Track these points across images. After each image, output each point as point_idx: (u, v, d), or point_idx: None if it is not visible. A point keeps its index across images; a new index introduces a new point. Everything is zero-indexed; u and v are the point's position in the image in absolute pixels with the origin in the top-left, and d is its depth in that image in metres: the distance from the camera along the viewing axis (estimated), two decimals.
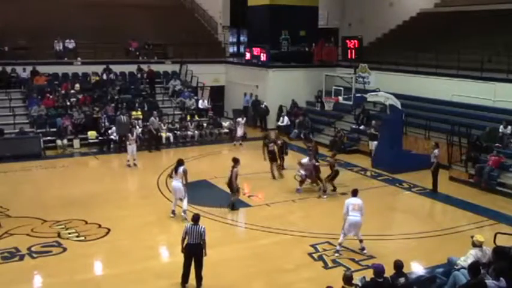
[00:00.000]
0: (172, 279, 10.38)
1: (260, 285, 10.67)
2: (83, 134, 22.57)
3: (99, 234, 12.79)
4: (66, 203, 14.99)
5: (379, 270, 8.39)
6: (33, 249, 11.84)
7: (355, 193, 12.07)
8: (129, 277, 10.67)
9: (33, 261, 11.38)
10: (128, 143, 19.51)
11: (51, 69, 26.02)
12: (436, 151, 16.67)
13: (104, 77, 26.67)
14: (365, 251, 11.77)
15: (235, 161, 14.78)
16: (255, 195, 16.44)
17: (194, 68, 28.41)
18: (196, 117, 25.56)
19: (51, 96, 24.07)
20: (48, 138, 21.89)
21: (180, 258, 10.21)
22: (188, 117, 25.30)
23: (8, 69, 24.83)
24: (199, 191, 16.25)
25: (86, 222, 13.48)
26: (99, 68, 26.82)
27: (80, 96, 24.60)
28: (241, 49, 32.13)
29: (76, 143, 22.16)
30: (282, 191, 16.71)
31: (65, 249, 11.94)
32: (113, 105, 24.44)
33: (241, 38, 33.22)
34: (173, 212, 13.95)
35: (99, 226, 13.24)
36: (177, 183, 13.72)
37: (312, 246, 12.16)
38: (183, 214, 13.59)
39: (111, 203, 15.17)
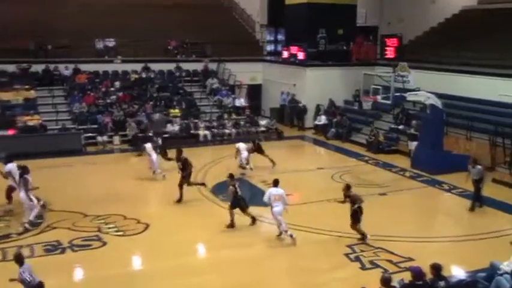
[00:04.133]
0: (206, 276, 10.46)
1: (294, 284, 10.64)
2: (123, 130, 22.96)
3: (138, 230, 13.00)
4: (105, 198, 15.29)
5: (417, 273, 8.24)
6: (74, 242, 12.14)
7: (276, 183, 12.60)
8: (165, 273, 10.80)
9: (74, 254, 11.66)
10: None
11: (93, 67, 26.60)
12: (476, 168, 14.89)
13: (143, 75, 27.09)
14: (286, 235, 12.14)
15: (231, 176, 13.51)
16: (290, 194, 16.34)
17: (232, 67, 28.54)
18: (234, 116, 25.67)
19: (92, 94, 24.64)
20: (89, 134, 22.39)
21: (215, 256, 10.26)
22: (225, 116, 25.45)
23: (51, 67, 25.49)
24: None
25: (125, 218, 13.72)
26: (138, 66, 27.26)
27: (120, 94, 25.08)
28: (279, 48, 32.05)
29: (116, 139, 22.57)
30: (317, 191, 16.59)
31: (104, 244, 12.20)
32: (151, 103, 24.80)
33: (279, 37, 33.13)
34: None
35: (138, 222, 13.44)
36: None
37: (349, 246, 12.03)
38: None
39: (150, 199, 15.41)
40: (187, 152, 21.20)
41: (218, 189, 16.06)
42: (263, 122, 25.80)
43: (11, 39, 25.12)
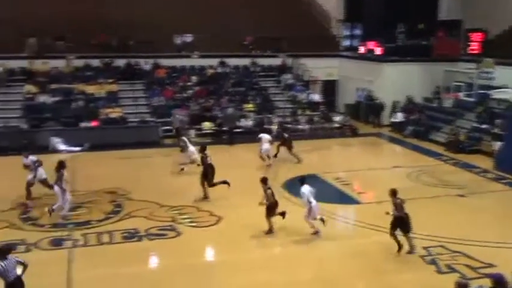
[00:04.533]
0: (274, 271, 10.46)
1: (366, 284, 10.42)
2: (199, 124, 23.45)
3: (211, 222, 13.24)
4: (180, 190, 15.68)
5: (498, 280, 7.78)
6: (150, 231, 12.54)
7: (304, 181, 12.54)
8: (237, 266, 10.91)
9: (150, 242, 12.06)
10: None
11: (171, 62, 27.36)
12: None
13: (219, 70, 27.53)
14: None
15: (264, 181, 12.64)
16: (363, 192, 16.05)
17: (307, 62, 28.37)
18: (308, 111, 25.51)
19: (170, 88, 25.38)
20: (167, 127, 23.07)
21: (288, 250, 10.23)
22: (299, 111, 25.34)
23: (133, 62, 26.49)
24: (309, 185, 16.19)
25: (198, 209, 14.01)
26: (214, 62, 27.72)
27: (197, 89, 25.64)
28: (355, 43, 31.46)
29: (192, 133, 23.10)
30: None
31: (178, 234, 12.51)
32: (227, 97, 25.16)
33: (356, 32, 32.50)
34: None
35: (211, 214, 13.69)
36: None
37: (425, 248, 11.60)
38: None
39: (223, 192, 15.56)
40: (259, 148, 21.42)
41: (289, 186, 16.03)
42: (337, 118, 25.46)
43: (95, 36, 26.38)
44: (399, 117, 24.88)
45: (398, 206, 11.16)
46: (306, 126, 24.30)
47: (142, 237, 12.26)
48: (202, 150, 15.39)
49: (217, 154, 20.85)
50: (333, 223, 13.40)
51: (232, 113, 23.42)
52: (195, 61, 27.90)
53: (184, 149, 17.82)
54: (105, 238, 12.20)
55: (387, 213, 11.31)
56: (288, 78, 27.67)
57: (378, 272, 10.70)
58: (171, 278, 10.43)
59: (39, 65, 24.87)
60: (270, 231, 12.36)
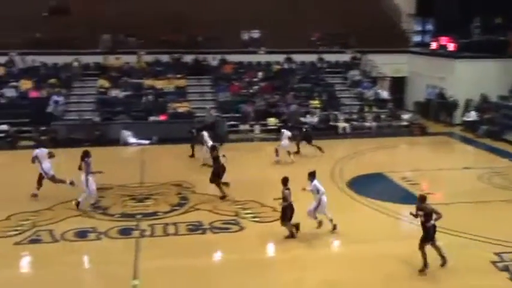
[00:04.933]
0: (336, 269, 10.32)
1: (429, 286, 10.05)
2: (264, 120, 23.53)
3: (274, 218, 13.22)
4: (244, 185, 15.77)
5: None
6: (214, 224, 12.73)
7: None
8: (298, 262, 10.87)
9: (214, 236, 12.24)
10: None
11: (238, 58, 27.58)
12: None
13: (285, 66, 27.47)
14: None
15: (285, 181, 12.02)
16: (432, 193, 15.47)
17: (375, 58, 27.76)
18: (375, 109, 24.97)
19: (236, 84, 25.62)
20: (232, 122, 23.32)
21: (351, 249, 10.04)
22: (366, 108, 24.86)
23: (201, 58, 26.95)
24: (374, 184, 15.87)
25: (262, 205, 14.05)
26: (281, 58, 27.68)
27: (262, 84, 25.73)
28: (427, 38, 30.42)
29: (257, 128, 23.24)
30: (462, 192, 15.44)
31: (242, 228, 12.62)
32: (292, 93, 25.08)
33: (427, 27, 31.41)
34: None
35: (274, 210, 13.67)
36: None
37: (497, 254, 11.04)
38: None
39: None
40: (324, 144, 21.23)
41: (354, 184, 15.76)
42: (406, 116, 24.75)
43: (165, 32, 27.05)
44: (472, 116, 23.85)
45: (428, 211, 10.28)
46: (373, 124, 23.80)
47: (206, 230, 12.45)
48: (213, 150, 15.32)
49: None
50: (399, 223, 13.06)
51: (295, 110, 23.30)
52: (262, 57, 27.99)
53: (205, 144, 17.73)
54: (171, 229, 12.50)
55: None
56: (355, 74, 27.20)
57: (446, 275, 10.30)
58: (232, 272, 10.53)
59: (112, 60, 25.86)
60: (291, 236, 11.86)
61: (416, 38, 31.03)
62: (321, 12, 29.32)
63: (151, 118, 22.78)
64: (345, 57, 28.45)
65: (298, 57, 27.85)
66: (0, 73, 24.54)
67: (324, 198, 12.13)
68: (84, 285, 10.31)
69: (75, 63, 25.28)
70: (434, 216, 10.17)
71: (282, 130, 18.96)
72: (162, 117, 22.88)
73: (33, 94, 23.56)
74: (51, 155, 14.64)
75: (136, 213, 13.47)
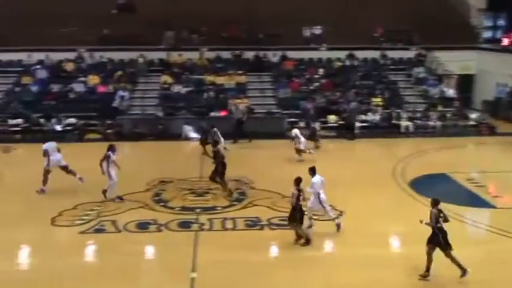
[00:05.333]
0: (393, 270, 10.04)
1: None
2: (324, 117, 23.28)
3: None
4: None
5: None
6: (272, 221, 12.71)
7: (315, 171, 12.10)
8: (354, 261, 10.65)
9: (271, 232, 12.22)
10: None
11: (299, 54, 27.43)
12: None
13: (347, 62, 27.05)
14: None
15: (297, 181, 11.61)
16: (499, 196, 14.78)
17: (441, 55, 26.82)
18: (440, 108, 24.12)
19: (297, 80, 25.49)
20: (292, 119, 23.21)
21: (412, 250, 9.73)
22: (431, 107, 24.06)
23: (261, 54, 27.00)
24: (436, 185, 15.34)
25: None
26: (342, 54, 27.28)
27: (323, 81, 25.46)
28: (498, 34, 29.04)
29: (316, 125, 22.97)
30: None
31: None
32: (353, 91, 24.66)
33: (499, 22, 29.97)
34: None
35: (333, 208, 13.48)
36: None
37: None
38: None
39: (345, 186, 15.31)
40: (386, 142, 20.78)
41: (416, 184, 15.30)
42: (473, 116, 23.75)
43: (226, 29, 27.30)
44: None
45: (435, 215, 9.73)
46: (437, 123, 23.00)
47: (264, 226, 12.46)
48: (215, 145, 15.35)
49: (339, 148, 20.82)
50: (463, 226, 12.58)
51: (354, 108, 22.86)
52: (323, 53, 27.70)
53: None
54: (229, 224, 12.60)
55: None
56: (419, 71, 26.38)
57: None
58: (287, 269, 10.50)
59: (175, 56, 26.40)
60: (306, 243, 11.40)
61: (487, 34, 29.70)
62: (384, 7, 28.64)
63: (212, 114, 23.08)
64: (409, 54, 27.68)
65: (360, 54, 27.37)
66: (69, 69, 25.61)
67: (323, 195, 12.06)
68: (145, 275, 10.56)
69: (140, 60, 26.01)
70: (433, 221, 9.76)
71: (294, 131, 18.75)
72: (222, 113, 23.12)
73: (101, 89, 24.45)
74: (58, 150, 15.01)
75: (195, 207, 13.68)
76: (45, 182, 14.63)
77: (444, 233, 9.65)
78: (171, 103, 23.82)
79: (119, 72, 25.04)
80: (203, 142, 19.04)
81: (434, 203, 9.86)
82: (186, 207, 13.68)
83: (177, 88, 24.58)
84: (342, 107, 23.49)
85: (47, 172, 14.66)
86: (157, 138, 21.39)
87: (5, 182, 15.99)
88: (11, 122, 21.96)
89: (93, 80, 24.75)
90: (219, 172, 14.69)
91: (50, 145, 14.96)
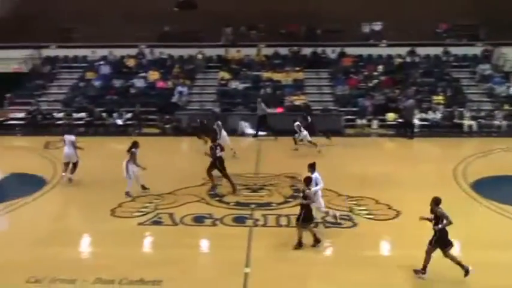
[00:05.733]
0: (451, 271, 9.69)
1: None
2: (382, 115, 22.79)
3: (389, 216, 12.77)
4: (359, 180, 15.41)
5: None
6: (326, 219, 12.48)
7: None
8: (408, 263, 10.36)
9: (325, 230, 12.05)
10: None
11: (358, 51, 26.99)
12: None
13: (408, 59, 26.35)
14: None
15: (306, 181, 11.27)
16: None
17: (508, 51, 25.61)
18: (507, 106, 23.04)
19: (355, 77, 25.08)
20: (349, 117, 22.89)
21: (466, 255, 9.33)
22: (497, 106, 23.03)
23: (319, 50, 26.74)
24: (502, 187, 14.69)
25: (377, 202, 13.62)
26: (403, 50, 26.60)
27: (383, 78, 24.92)
28: None
29: (374, 123, 22.59)
30: None
31: (354, 225, 12.35)
32: (414, 88, 23.98)
33: None
34: None
35: (390, 207, 13.22)
36: None
37: None
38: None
39: (402, 185, 14.94)
40: (448, 142, 20.04)
41: (479, 186, 14.70)
42: None
43: (285, 25, 27.20)
44: None
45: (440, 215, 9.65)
46: (503, 123, 22.01)
47: (318, 223, 12.32)
48: (214, 140, 15.16)
49: (398, 147, 20.32)
50: None
51: (410, 105, 22.15)
52: (383, 50, 27.12)
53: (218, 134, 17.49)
54: (283, 221, 12.57)
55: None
56: (485, 69, 25.32)
57: None
58: (340, 267, 10.37)
59: (233, 53, 26.60)
60: (298, 246, 11.04)
61: None
62: (449, 1, 27.66)
63: (268, 110, 23.06)
64: (475, 50, 26.64)
65: (422, 50, 26.59)
66: (131, 64, 26.34)
67: (320, 192, 11.91)
68: (200, 268, 10.72)
69: (199, 56, 26.39)
70: (444, 221, 9.57)
71: (297, 123, 18.75)
72: (278, 110, 23.09)
73: (160, 85, 25.00)
74: (78, 146, 15.42)
75: (250, 203, 13.73)
76: (72, 170, 15.26)
77: (442, 233, 9.61)
78: (228, 99, 24.03)
79: (177, 68, 25.52)
80: (200, 134, 19.13)
81: (437, 202, 9.77)
82: (241, 203, 13.76)
83: (235, 84, 24.77)
84: (400, 104, 22.90)
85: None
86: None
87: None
88: (76, 115, 22.86)
89: (153, 75, 25.36)
90: (213, 167, 14.53)
91: (68, 137, 15.52)
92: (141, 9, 26.70)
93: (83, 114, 22.94)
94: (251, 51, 26.71)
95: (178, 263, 10.55)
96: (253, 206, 13.55)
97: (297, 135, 18.76)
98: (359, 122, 22.61)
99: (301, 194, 11.33)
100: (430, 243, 9.72)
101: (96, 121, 22.78)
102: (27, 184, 14.47)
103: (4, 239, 12.36)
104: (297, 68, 25.69)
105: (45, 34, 26.52)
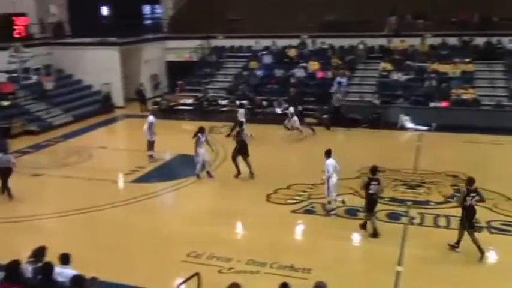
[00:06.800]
0: None
1: None
2: None
3: None
4: None
5: None
6: (492, 224, 11.59)
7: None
8: None
9: (489, 236, 11.12)
10: None
11: None
12: None
13: None
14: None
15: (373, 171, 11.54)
16: None
17: None
18: None
19: None
20: None
21: None
22: None
23: (494, 40, 24.46)
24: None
25: None
26: None
27: None
28: None
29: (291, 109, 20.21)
30: None
31: None
32: None
33: None
34: None
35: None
36: None
37: None
38: None
39: None
40: None
41: None
42: None
43: (456, 12, 25.36)
44: None
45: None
46: None
47: (482, 228, 11.37)
48: (240, 125, 15.77)
49: None
50: None
51: None
52: None
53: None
54: (442, 221, 11.87)
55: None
56: None
57: None
58: (504, 278, 9.50)
59: (396, 43, 25.58)
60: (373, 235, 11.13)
61: None
62: None
63: (432, 104, 21.83)
64: None
65: None
66: (292, 54, 26.79)
67: (334, 179, 12.15)
68: (350, 261, 10.62)
69: (361, 46, 25.86)
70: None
71: (290, 109, 19.55)
72: (443, 104, 21.71)
73: (320, 75, 25.07)
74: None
75: (406, 200, 13.18)
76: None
77: (469, 212, 10.04)
78: (388, 91, 23.22)
79: (334, 58, 25.29)
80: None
81: (469, 182, 10.19)
82: (396, 199, 13.25)
83: (396, 76, 23.83)
84: None
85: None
86: (371, 125, 21.09)
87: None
88: (238, 103, 23.96)
89: (313, 65, 25.49)
90: (237, 151, 15.10)
91: (152, 119, 17.08)
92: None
93: (245, 102, 23.92)
94: (416, 42, 25.40)
95: (328, 254, 10.57)
96: (409, 203, 13.00)
97: (286, 121, 19.63)
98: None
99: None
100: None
101: (256, 109, 23.61)
102: (192, 165, 15.54)
103: (172, 213, 13.60)
104: (467, 60, 23.80)
105: (214, 26, 28.20)
